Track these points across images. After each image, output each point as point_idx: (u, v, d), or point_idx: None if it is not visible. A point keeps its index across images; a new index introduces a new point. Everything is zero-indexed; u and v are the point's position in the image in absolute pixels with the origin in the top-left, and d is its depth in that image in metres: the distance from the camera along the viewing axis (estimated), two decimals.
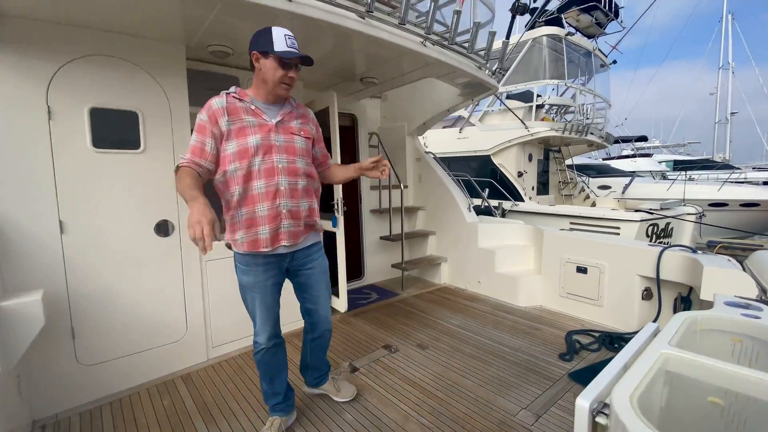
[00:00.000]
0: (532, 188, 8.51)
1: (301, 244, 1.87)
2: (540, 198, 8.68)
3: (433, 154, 4.82)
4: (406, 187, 4.88)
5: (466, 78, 3.51)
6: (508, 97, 8.52)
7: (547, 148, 8.98)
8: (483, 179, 8.22)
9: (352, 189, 4.49)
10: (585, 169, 12.47)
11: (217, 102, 1.69)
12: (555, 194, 9.33)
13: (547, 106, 8.62)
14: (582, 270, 3.48)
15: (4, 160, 2.00)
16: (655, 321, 3.03)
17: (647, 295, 3.13)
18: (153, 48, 2.41)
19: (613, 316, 3.29)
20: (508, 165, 8.11)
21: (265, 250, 1.76)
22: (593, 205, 9.17)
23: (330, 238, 3.26)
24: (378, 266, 4.54)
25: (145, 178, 2.42)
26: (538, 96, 7.87)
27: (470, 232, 4.24)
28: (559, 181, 9.34)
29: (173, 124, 2.52)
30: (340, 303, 3.45)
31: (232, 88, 1.76)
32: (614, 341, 2.94)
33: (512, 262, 4.02)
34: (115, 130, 2.32)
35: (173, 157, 2.52)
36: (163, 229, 2.51)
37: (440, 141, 9.41)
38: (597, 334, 3.07)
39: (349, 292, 4.15)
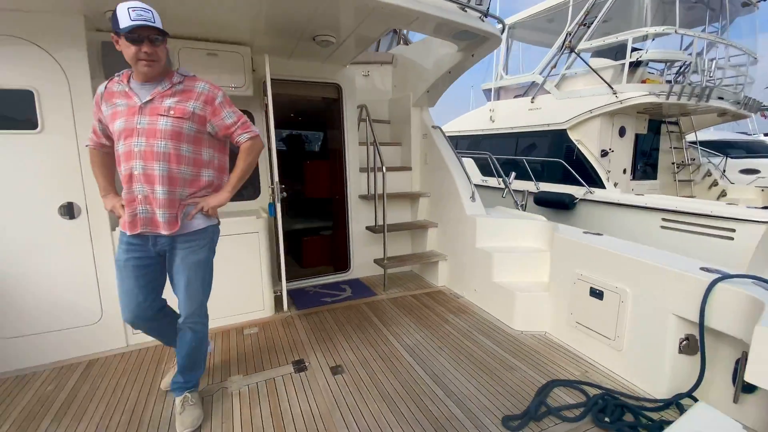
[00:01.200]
0: (624, 171, 6.70)
1: (164, 231, 1.73)
2: (641, 184, 6.83)
3: (441, 129, 3.96)
4: (409, 169, 4.17)
5: (451, 28, 2.66)
6: (597, 54, 6.72)
7: (657, 120, 6.94)
8: (552, 160, 6.79)
9: (338, 170, 4.00)
10: (726, 147, 9.47)
11: (100, 88, 1.76)
12: (666, 179, 7.25)
13: (657, 66, 6.58)
14: (596, 294, 2.42)
15: None
16: (693, 389, 1.92)
17: (688, 347, 1.99)
18: (46, 21, 2.28)
19: (633, 368, 2.22)
20: (589, 142, 6.48)
21: (128, 232, 1.74)
22: (722, 195, 6.88)
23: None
24: (368, 259, 4.00)
25: (44, 159, 2.36)
26: (636, 50, 5.99)
27: (469, 227, 3.38)
28: (673, 163, 7.20)
29: (74, 101, 2.39)
30: (264, 306, 3.08)
31: (117, 74, 1.75)
32: (609, 410, 1.94)
33: (516, 270, 3.07)
34: (8, 111, 2.29)
35: (75, 136, 2.40)
36: (68, 211, 2.45)
37: (511, 113, 8.08)
38: (594, 393, 2.09)
39: (325, 286, 3.76)
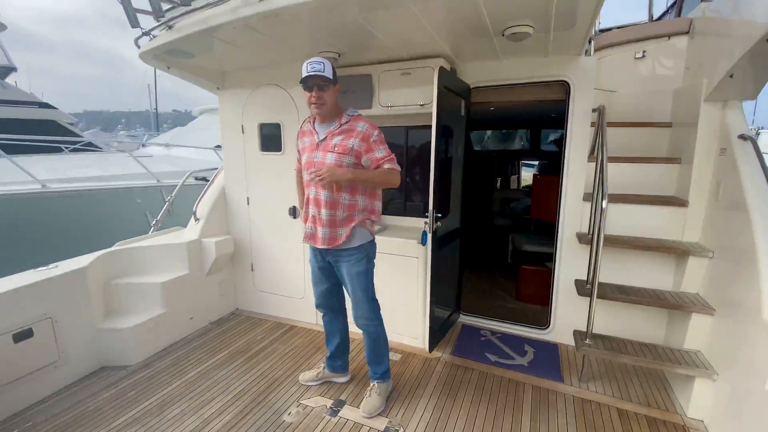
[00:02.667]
0: None
1: (326, 245, 2.08)
2: None
3: (754, 141, 2.07)
4: (682, 204, 2.54)
5: None
6: None
7: None
8: None
9: (550, 195, 3.01)
10: None
11: (299, 127, 2.26)
12: None
13: None
14: None
15: (229, 161, 3.45)
16: None
17: None
18: (285, 68, 3.00)
19: None
20: None
21: (305, 241, 2.21)
22: None
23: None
24: (578, 323, 2.87)
25: (283, 173, 3.19)
26: None
27: (762, 343, 1.70)
28: None
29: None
30: (417, 335, 2.76)
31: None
32: None
33: None
34: (270, 138, 3.22)
35: None
36: (292, 212, 3.23)
37: None
38: None
39: (504, 337, 3.11)
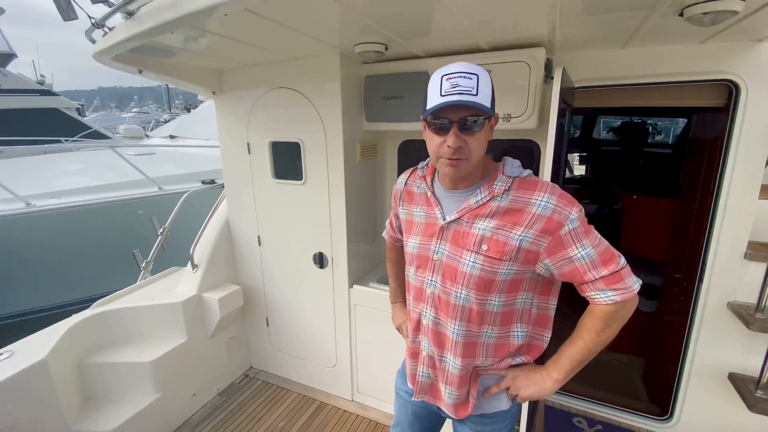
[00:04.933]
0: None
1: (446, 410, 1.21)
2: None
3: None
4: None
5: None
6: None
7: None
8: None
9: (691, 230, 2.12)
10: None
11: (400, 182, 1.30)
12: None
13: None
14: None
15: (232, 190, 2.64)
16: None
17: None
18: (306, 64, 2.11)
19: None
20: None
21: (407, 386, 1.33)
22: None
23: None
24: (721, 418, 2.06)
25: (305, 209, 2.37)
26: None
27: None
28: None
29: (327, 152, 2.19)
30: None
31: (423, 163, 1.24)
32: None
33: None
34: (286, 162, 2.37)
35: (327, 187, 2.25)
36: (318, 260, 2.43)
37: None
38: None
39: (608, 429, 2.29)
